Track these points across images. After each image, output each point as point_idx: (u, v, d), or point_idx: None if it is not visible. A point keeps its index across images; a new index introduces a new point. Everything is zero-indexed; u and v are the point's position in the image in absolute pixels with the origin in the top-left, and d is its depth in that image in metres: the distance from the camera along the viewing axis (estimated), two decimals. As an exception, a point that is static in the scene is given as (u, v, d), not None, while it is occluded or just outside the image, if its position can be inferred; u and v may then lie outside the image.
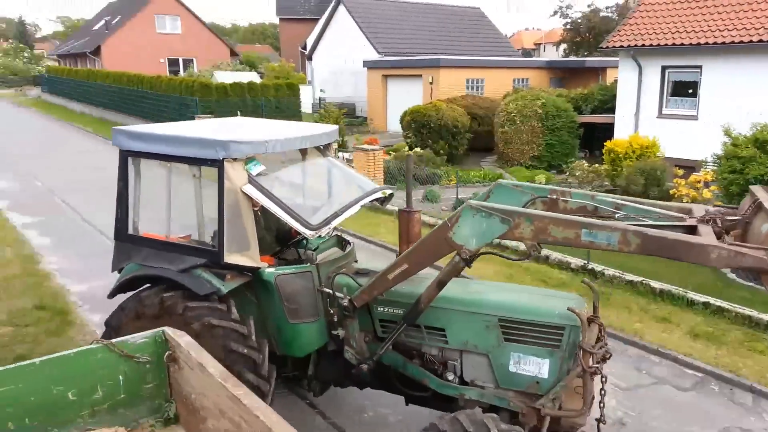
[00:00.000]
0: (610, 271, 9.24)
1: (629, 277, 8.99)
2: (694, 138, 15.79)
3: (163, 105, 26.46)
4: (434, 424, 3.98)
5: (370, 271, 5.08)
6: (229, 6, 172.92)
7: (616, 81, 19.71)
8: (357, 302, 4.61)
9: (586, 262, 9.70)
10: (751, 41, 14.89)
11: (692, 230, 3.75)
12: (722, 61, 15.87)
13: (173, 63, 46.11)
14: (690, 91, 16.90)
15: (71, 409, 3.58)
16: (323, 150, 5.59)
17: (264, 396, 4.43)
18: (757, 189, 3.84)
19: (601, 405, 4.26)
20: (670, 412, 6.00)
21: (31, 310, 7.87)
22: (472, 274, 6.45)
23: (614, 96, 19.10)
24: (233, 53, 50.55)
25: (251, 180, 4.58)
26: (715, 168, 12.78)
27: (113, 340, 3.82)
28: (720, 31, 15.74)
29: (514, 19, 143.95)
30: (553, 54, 54.66)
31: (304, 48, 41.54)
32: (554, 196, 4.42)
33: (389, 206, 8.26)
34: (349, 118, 26.01)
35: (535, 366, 4.32)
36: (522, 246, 4.66)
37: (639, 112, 17.67)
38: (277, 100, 26.45)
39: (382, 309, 4.77)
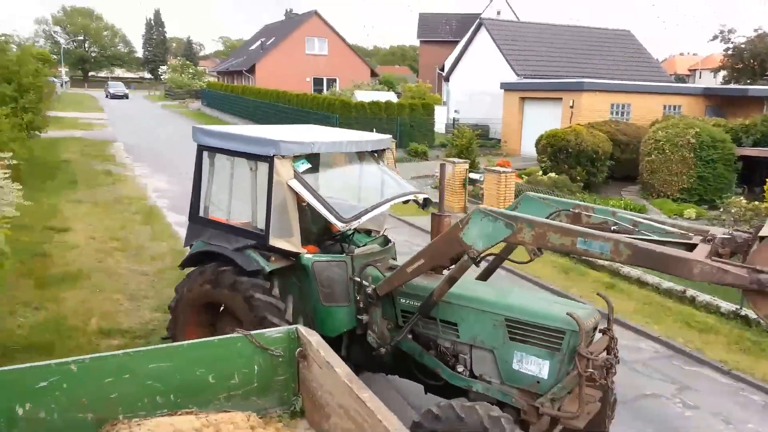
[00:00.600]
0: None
1: (792, 328, 8.00)
2: None
3: (305, 120, 28.03)
4: (430, 410, 4.30)
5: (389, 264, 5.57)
6: (373, 29, 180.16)
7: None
8: (380, 291, 5.09)
9: (738, 307, 8.77)
10: None
11: (692, 248, 3.79)
12: None
13: (318, 82, 48.80)
14: None
15: (210, 391, 3.84)
16: (377, 157, 6.14)
17: None
18: None
19: (609, 416, 4.55)
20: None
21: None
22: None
23: (781, 127, 17.20)
24: (373, 74, 52.48)
25: (297, 176, 5.19)
26: None
27: (251, 332, 4.06)
28: None
29: (668, 44, 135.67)
30: (709, 81, 50.63)
31: (442, 69, 42.11)
32: (577, 211, 4.66)
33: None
34: (482, 140, 25.82)
35: (536, 366, 4.56)
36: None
37: (812, 147, 15.78)
38: (411, 119, 26.97)
39: (403, 300, 5.22)
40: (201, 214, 5.98)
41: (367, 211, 5.30)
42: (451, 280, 4.62)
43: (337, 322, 5.31)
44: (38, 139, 20.93)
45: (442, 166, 6.74)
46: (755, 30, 39.00)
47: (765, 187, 14.65)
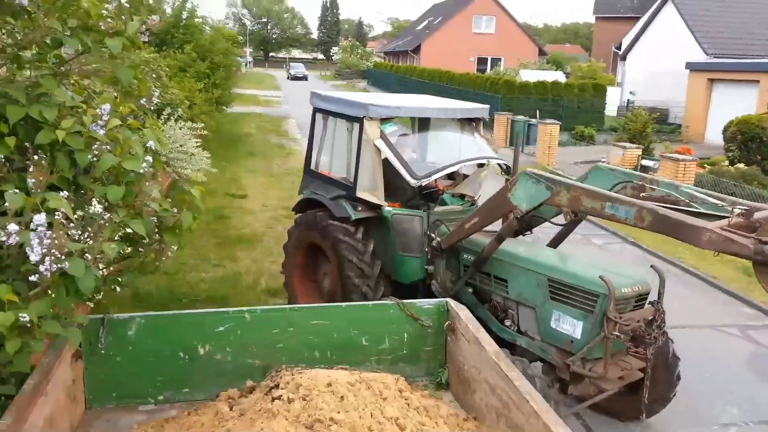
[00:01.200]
0: None
1: None
2: None
3: (467, 101, 27.83)
4: None
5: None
6: (544, 6, 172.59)
7: None
8: (443, 244, 5.58)
9: None
10: None
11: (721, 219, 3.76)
12: None
13: (482, 62, 48.05)
14: None
15: (362, 353, 4.04)
16: (474, 126, 6.62)
17: (369, 299, 5.59)
18: None
19: (646, 385, 4.66)
20: None
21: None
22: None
23: None
24: (541, 52, 50.44)
25: (383, 136, 5.81)
26: None
27: (404, 301, 4.18)
28: None
29: None
30: None
31: (618, 48, 39.21)
32: (641, 183, 4.64)
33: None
34: (659, 124, 23.72)
35: (570, 326, 4.76)
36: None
37: None
38: (579, 101, 25.56)
39: (466, 256, 5.65)
40: (312, 167, 6.83)
41: (437, 171, 5.87)
42: (500, 238, 5.02)
43: (410, 270, 5.87)
44: (225, 113, 23.14)
45: (518, 135, 7.02)
46: None
47: None
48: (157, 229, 3.27)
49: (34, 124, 2.72)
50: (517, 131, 6.25)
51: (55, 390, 3.07)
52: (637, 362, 4.80)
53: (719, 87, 25.18)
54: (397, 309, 4.11)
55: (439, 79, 33.35)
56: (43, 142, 2.64)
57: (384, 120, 5.87)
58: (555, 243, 5.85)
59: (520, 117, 22.70)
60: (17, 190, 2.37)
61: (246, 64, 67.76)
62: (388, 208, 5.83)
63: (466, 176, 6.74)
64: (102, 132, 2.77)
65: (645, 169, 15.58)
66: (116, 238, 2.67)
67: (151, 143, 3.09)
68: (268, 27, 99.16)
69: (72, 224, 2.43)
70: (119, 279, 3.31)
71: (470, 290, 5.61)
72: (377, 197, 5.82)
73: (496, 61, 47.56)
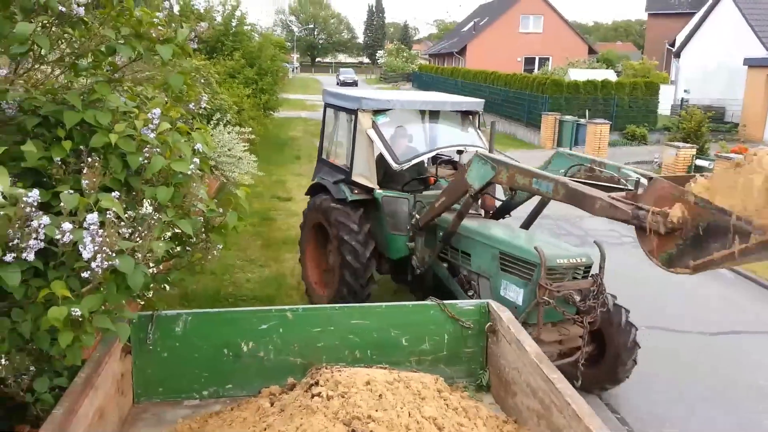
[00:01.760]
0: None
1: None
2: None
3: (513, 102, 27.48)
4: None
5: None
6: (594, 3, 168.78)
7: None
8: (420, 222, 6.22)
9: None
10: None
11: None
12: None
13: (529, 62, 47.34)
14: None
15: (402, 353, 4.05)
16: (471, 119, 7.23)
17: (359, 277, 6.38)
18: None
19: (582, 349, 5.02)
20: None
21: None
22: None
23: None
24: (591, 51, 49.34)
25: (374, 126, 6.44)
26: None
27: (444, 302, 4.18)
28: None
29: None
30: None
31: (672, 45, 37.99)
32: (591, 165, 4.99)
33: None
34: (714, 123, 22.87)
35: (514, 293, 5.29)
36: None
37: None
38: (631, 99, 24.88)
39: (441, 234, 6.18)
40: (323, 156, 7.63)
41: (415, 157, 6.51)
42: (460, 215, 5.63)
43: (398, 248, 6.59)
44: (272, 117, 23.57)
45: (492, 123, 7.25)
46: None
47: None
48: (203, 229, 3.38)
49: (89, 129, 2.85)
50: (492, 120, 6.86)
51: (105, 383, 3.21)
52: (577, 330, 5.12)
53: (780, 84, 24.10)
54: (438, 310, 4.11)
55: (484, 80, 33.02)
56: (97, 145, 2.77)
57: (377, 112, 6.54)
58: (526, 225, 6.45)
59: (568, 117, 22.29)
60: (72, 191, 2.49)
61: (293, 70, 68.82)
62: (379, 191, 6.53)
63: None
64: (152, 135, 2.88)
65: (700, 169, 15.03)
66: (165, 238, 2.77)
67: (198, 146, 3.20)
68: (315, 32, 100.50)
69: (123, 223, 2.54)
70: (168, 277, 3.44)
71: (445, 265, 6.28)
72: (370, 181, 6.53)
73: (543, 61, 46.76)
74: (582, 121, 21.53)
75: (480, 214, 6.52)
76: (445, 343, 4.11)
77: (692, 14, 36.99)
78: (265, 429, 3.03)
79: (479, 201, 6.30)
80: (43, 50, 2.82)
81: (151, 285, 3.24)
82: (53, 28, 2.93)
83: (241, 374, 3.89)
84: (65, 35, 3.06)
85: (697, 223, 3.09)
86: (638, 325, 7.15)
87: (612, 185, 4.50)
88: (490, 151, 6.29)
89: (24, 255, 2.22)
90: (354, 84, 61.33)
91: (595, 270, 5.19)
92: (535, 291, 4.90)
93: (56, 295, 2.27)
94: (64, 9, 2.69)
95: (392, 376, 3.31)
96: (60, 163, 2.73)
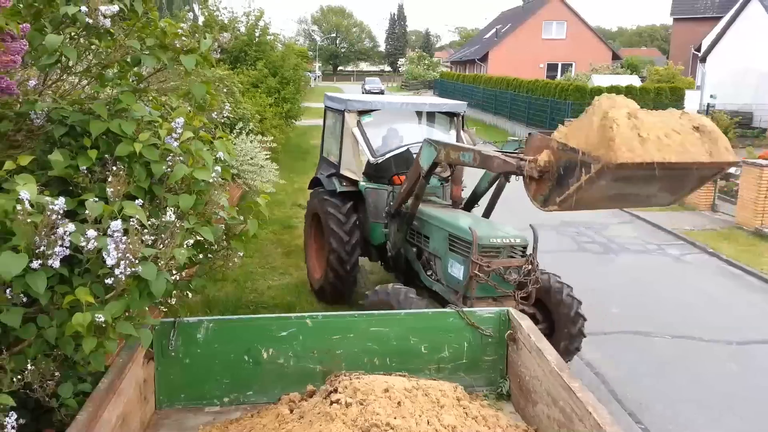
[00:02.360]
0: None
1: None
2: None
3: (535, 108, 27.31)
4: (375, 289, 5.90)
5: (434, 201, 7.17)
6: (618, 8, 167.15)
7: None
8: (392, 209, 6.73)
9: None
10: None
11: None
12: None
13: (552, 68, 47.02)
14: None
15: (421, 360, 4.04)
16: (455, 121, 7.80)
17: (344, 263, 7.09)
18: None
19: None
20: None
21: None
22: None
23: None
24: (615, 56, 48.85)
25: (359, 125, 7.11)
26: None
27: (464, 309, 4.16)
28: None
29: None
30: None
31: (698, 50, 37.42)
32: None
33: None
34: (742, 129, 22.46)
35: (457, 270, 5.86)
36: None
37: None
38: (656, 105, 24.55)
39: (415, 221, 6.66)
40: (323, 154, 8.42)
41: (388, 152, 7.15)
42: (417, 197, 6.14)
43: (378, 234, 7.24)
44: (293, 126, 23.76)
45: (471, 130, 7.87)
46: None
47: None
48: (225, 236, 3.42)
49: (114, 138, 2.91)
50: (472, 128, 7.42)
51: (128, 389, 3.25)
52: (511, 303, 5.47)
53: (811, 88, 23.55)
54: (458, 317, 4.09)
55: (507, 87, 32.91)
56: (121, 154, 2.82)
57: (361, 112, 7.22)
58: (486, 213, 7.06)
59: (591, 124, 22.07)
60: (97, 199, 2.55)
61: (315, 79, 69.31)
62: (362, 183, 7.25)
63: None
64: (176, 144, 2.93)
65: (726, 175, 14.73)
66: (187, 245, 2.81)
67: (220, 154, 3.25)
68: (337, 41, 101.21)
69: (146, 231, 2.58)
70: (190, 284, 3.48)
71: (414, 249, 6.79)
72: (356, 174, 7.28)
73: (566, 67, 46.39)
74: (605, 127, 21.31)
75: (449, 204, 7.04)
76: (464, 351, 4.08)
77: (718, 18, 36.38)
78: (285, 435, 3.04)
79: (450, 193, 7.14)
80: (70, 61, 2.90)
81: (174, 292, 3.30)
82: (81, 40, 3.01)
83: (261, 381, 3.91)
84: (92, 46, 3.14)
85: (559, 164, 3.60)
86: (662, 335, 7.03)
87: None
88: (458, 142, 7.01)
89: (50, 262, 2.27)
90: (380, 94, 61.45)
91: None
92: (469, 266, 5.46)
93: (81, 301, 2.31)
94: (91, 21, 2.76)
95: (411, 383, 3.30)
96: (86, 171, 2.79)
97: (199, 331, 3.85)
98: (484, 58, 49.71)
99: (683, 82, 31.38)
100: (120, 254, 2.35)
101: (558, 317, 5.98)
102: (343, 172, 7.33)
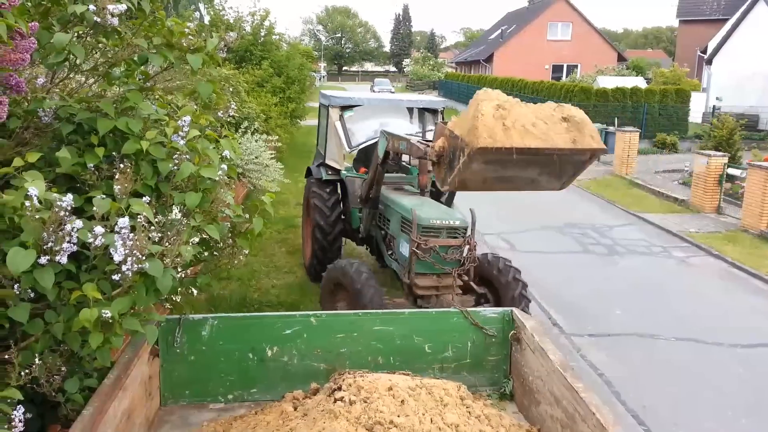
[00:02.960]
0: None
1: None
2: None
3: (541, 109, 27.23)
4: (334, 263, 6.46)
5: (406, 190, 7.61)
6: (624, 10, 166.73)
7: None
8: (363, 195, 7.19)
9: None
10: None
11: None
12: None
13: (557, 69, 46.91)
14: None
15: (425, 360, 4.05)
16: (434, 116, 8.32)
17: (326, 234, 7.70)
18: None
19: (454, 297, 5.86)
20: None
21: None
22: None
23: None
24: (621, 58, 48.73)
25: (341, 119, 7.79)
26: None
27: (468, 309, 4.17)
28: None
29: None
30: None
31: (704, 52, 37.30)
32: None
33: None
34: (747, 131, 22.33)
35: (405, 249, 6.33)
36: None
37: None
38: (661, 107, 24.51)
39: (381, 206, 7.27)
40: (318, 146, 9.02)
41: (362, 144, 7.81)
42: (378, 183, 6.75)
43: (356, 219, 7.90)
44: (298, 126, 23.75)
45: (438, 125, 8.45)
46: None
47: None
48: (230, 234, 3.44)
49: (121, 136, 2.93)
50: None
51: (133, 385, 3.27)
52: (449, 280, 5.95)
53: (817, 91, 23.46)
54: (461, 317, 4.10)
55: (511, 88, 32.86)
56: (128, 151, 2.84)
57: (344, 108, 7.85)
58: (448, 202, 7.56)
59: (596, 125, 21.97)
60: (104, 196, 2.57)
61: (320, 78, 69.37)
62: (343, 172, 7.92)
63: None
64: (182, 142, 2.95)
65: (731, 178, 14.71)
66: (192, 242, 2.82)
67: (226, 152, 3.26)
68: (342, 42, 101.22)
69: (152, 228, 2.60)
70: (195, 281, 3.50)
71: (382, 232, 7.30)
72: (338, 163, 7.91)
73: (572, 68, 46.29)
74: (611, 129, 21.26)
75: (417, 192, 7.38)
76: (468, 351, 4.09)
77: (725, 21, 36.28)
78: (289, 433, 3.05)
79: (418, 181, 7.55)
80: (78, 59, 2.92)
81: (179, 289, 3.32)
82: (88, 38, 3.03)
83: (265, 378, 3.93)
84: (99, 45, 3.16)
85: (449, 149, 4.06)
86: (666, 337, 7.04)
87: None
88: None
89: (57, 258, 2.29)
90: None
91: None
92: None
93: (88, 297, 2.33)
94: (98, 20, 2.78)
95: (414, 382, 3.31)
96: (93, 168, 2.81)
97: (204, 328, 3.87)
98: (489, 59, 49.65)
99: (689, 84, 31.30)
100: (127, 251, 2.37)
101: (503, 297, 6.34)
102: (328, 161, 8.03)
